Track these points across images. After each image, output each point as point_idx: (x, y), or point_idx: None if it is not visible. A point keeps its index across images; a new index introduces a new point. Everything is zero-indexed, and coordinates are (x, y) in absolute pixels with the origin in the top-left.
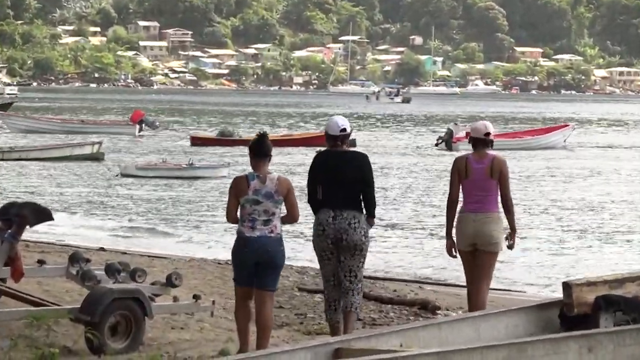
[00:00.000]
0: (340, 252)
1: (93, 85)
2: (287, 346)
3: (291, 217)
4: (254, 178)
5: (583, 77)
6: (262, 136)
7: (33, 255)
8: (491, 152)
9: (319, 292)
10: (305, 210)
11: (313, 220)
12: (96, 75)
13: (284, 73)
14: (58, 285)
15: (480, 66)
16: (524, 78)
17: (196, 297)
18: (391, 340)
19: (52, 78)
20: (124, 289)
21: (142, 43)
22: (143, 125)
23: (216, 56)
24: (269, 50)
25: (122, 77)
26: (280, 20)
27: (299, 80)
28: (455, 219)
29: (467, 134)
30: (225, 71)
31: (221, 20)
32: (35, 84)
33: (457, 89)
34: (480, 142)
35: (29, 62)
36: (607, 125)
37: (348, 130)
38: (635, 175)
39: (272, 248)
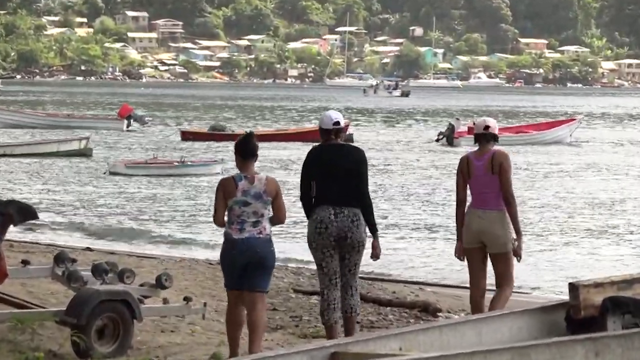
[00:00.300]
0: (342, 249)
1: (79, 78)
2: (281, 350)
3: (278, 219)
4: (242, 179)
5: (590, 70)
6: (248, 136)
7: (17, 255)
8: (494, 147)
9: (315, 293)
10: (296, 208)
11: (306, 219)
12: (83, 67)
13: (278, 65)
14: (43, 287)
15: (482, 58)
16: (528, 70)
17: (187, 299)
18: (390, 344)
19: (37, 71)
20: (112, 290)
21: (130, 34)
22: (131, 120)
23: (208, 48)
24: (262, 42)
25: (110, 69)
26: (275, 10)
27: (293, 73)
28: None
29: (469, 128)
30: (217, 63)
31: (213, 11)
32: (19, 77)
33: (458, 82)
34: (482, 137)
35: (12, 54)
36: (615, 120)
37: (342, 123)
38: None
39: (262, 249)
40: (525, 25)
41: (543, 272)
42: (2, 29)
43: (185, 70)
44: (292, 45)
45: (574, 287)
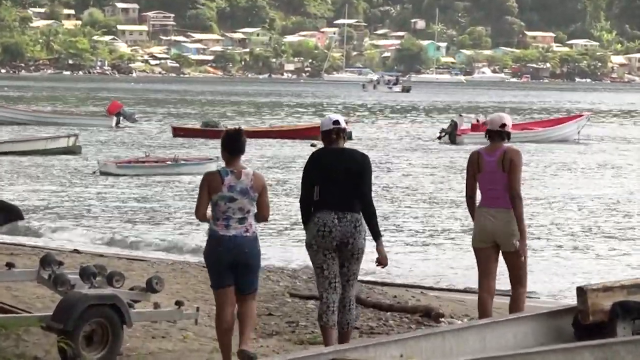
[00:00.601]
0: (342, 257)
1: (67, 72)
2: (277, 357)
3: (262, 217)
4: (228, 174)
5: (599, 64)
6: (238, 132)
7: (1, 257)
8: (506, 144)
9: (312, 298)
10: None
11: (303, 221)
12: (70, 61)
13: (274, 60)
14: (28, 291)
15: (487, 52)
16: (535, 65)
17: (179, 303)
18: (390, 351)
19: (22, 65)
20: (100, 294)
21: (120, 27)
22: (121, 118)
23: (200, 41)
24: (257, 35)
25: (99, 64)
26: (270, 2)
27: (290, 67)
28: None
29: (474, 125)
30: (210, 57)
31: (206, 2)
32: (3, 71)
33: (462, 77)
34: (496, 134)
35: None
36: (625, 117)
37: (342, 123)
38: None
39: (250, 249)
40: (531, 17)
41: (550, 276)
42: None
43: (177, 65)
44: (289, 38)
45: (582, 291)
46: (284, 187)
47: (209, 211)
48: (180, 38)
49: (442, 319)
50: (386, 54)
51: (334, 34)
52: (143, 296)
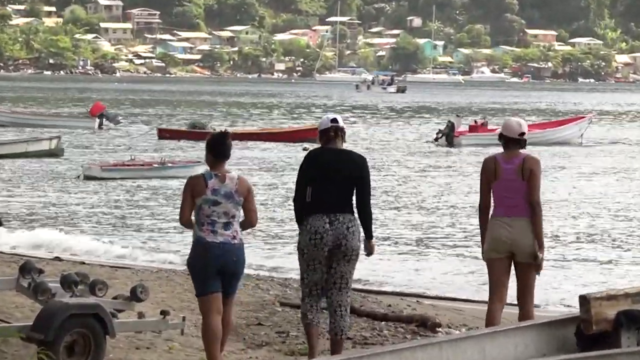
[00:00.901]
0: (333, 258)
1: (47, 72)
2: None
3: (249, 222)
4: (212, 177)
5: (603, 64)
6: (223, 135)
7: None
8: (523, 151)
9: None
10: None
11: (295, 223)
12: (51, 61)
13: (264, 59)
14: (7, 300)
15: (486, 51)
16: (536, 64)
17: (164, 312)
18: None
19: (1, 64)
20: (82, 303)
21: (103, 25)
22: (104, 119)
23: (187, 39)
24: (246, 33)
25: (81, 63)
26: None
27: (281, 67)
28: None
29: (472, 127)
30: (198, 56)
31: None
32: None
33: (460, 77)
34: (514, 142)
35: None
36: (630, 118)
37: (340, 122)
38: None
39: (238, 257)
40: (532, 15)
41: (552, 284)
42: None
43: (163, 64)
44: (279, 36)
45: (585, 300)
46: (274, 191)
47: (193, 217)
48: (166, 36)
49: (439, 329)
50: (381, 53)
51: (327, 32)
52: (127, 305)
